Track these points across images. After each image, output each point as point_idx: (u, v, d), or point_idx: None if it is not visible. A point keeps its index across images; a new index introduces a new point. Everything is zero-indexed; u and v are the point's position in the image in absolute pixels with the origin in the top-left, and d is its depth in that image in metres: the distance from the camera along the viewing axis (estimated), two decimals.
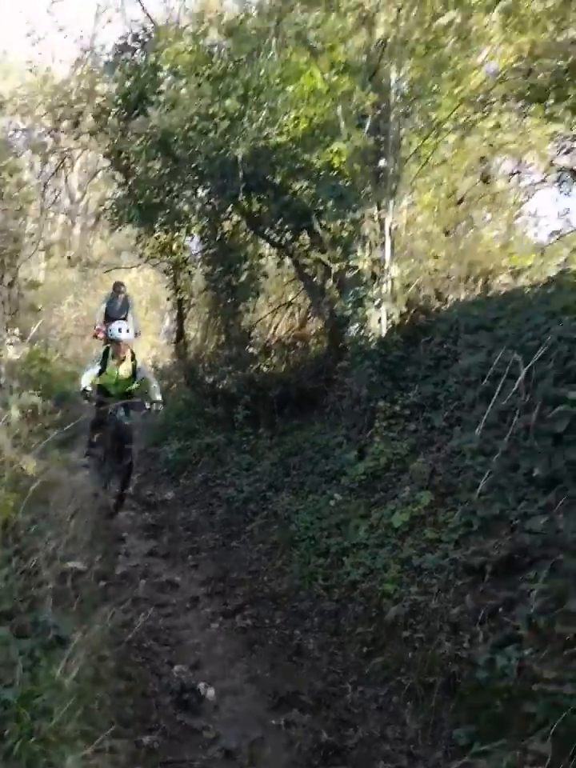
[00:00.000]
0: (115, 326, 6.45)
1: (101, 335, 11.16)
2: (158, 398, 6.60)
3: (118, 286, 10.92)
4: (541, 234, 6.11)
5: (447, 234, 6.19)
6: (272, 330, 9.44)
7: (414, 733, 3.04)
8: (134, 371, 6.58)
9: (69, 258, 6.32)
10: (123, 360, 6.46)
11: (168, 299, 11.14)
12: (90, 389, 6.36)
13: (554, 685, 2.50)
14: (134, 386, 6.65)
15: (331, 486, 5.70)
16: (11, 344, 9.81)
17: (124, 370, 6.52)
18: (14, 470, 3.28)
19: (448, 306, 6.14)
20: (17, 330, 10.47)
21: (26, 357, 10.98)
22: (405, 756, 2.87)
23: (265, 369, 8.29)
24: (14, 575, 2.83)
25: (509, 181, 6.80)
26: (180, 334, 11.02)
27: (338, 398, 6.74)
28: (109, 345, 6.58)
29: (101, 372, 6.48)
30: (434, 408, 5.06)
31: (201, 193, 8.07)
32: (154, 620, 4.37)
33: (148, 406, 6.55)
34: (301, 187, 7.07)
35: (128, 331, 6.43)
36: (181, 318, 10.88)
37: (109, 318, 10.97)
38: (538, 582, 2.97)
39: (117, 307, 11.00)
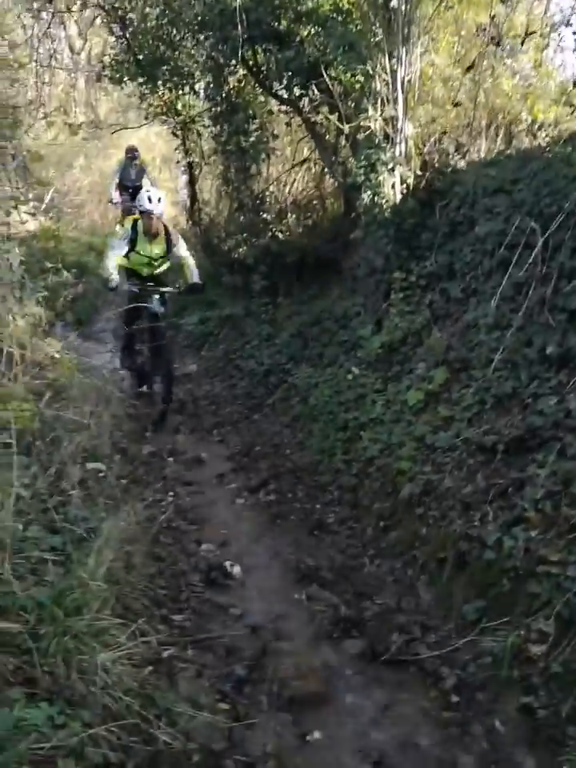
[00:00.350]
0: (144, 194, 5.46)
1: (120, 207, 10.82)
2: (197, 280, 5.81)
3: (130, 151, 10.48)
4: (567, 79, 5.54)
5: (468, 71, 5.66)
6: (287, 190, 9.10)
7: (427, 605, 3.25)
8: (169, 247, 5.70)
9: (70, 125, 5.95)
10: (157, 235, 5.59)
11: (177, 162, 10.72)
12: (116, 277, 5.49)
13: (558, 567, 2.61)
14: (167, 265, 5.89)
15: (349, 357, 5.72)
16: (27, 218, 9.62)
17: (158, 247, 5.68)
18: (34, 361, 3.30)
19: (467, 162, 5.80)
20: (30, 204, 10.25)
21: (40, 231, 10.83)
22: (418, 627, 3.07)
23: (280, 235, 8.08)
24: (41, 478, 2.95)
25: (532, 14, 6.15)
26: (193, 198, 10.70)
27: (354, 265, 6.59)
28: (137, 218, 5.63)
29: (129, 252, 5.62)
30: (450, 278, 4.93)
31: (201, 46, 7.50)
32: (181, 498, 4.61)
33: (183, 288, 5.93)
34: (308, 34, 6.53)
35: (160, 200, 5.44)
36: (192, 182, 10.53)
37: (124, 186, 10.66)
38: (546, 464, 3.02)
39: (131, 175, 10.63)
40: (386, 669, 2.89)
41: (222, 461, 5.37)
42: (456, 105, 5.89)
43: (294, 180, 9.08)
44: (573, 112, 4.81)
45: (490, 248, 4.55)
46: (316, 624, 3.16)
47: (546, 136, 4.84)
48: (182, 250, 5.80)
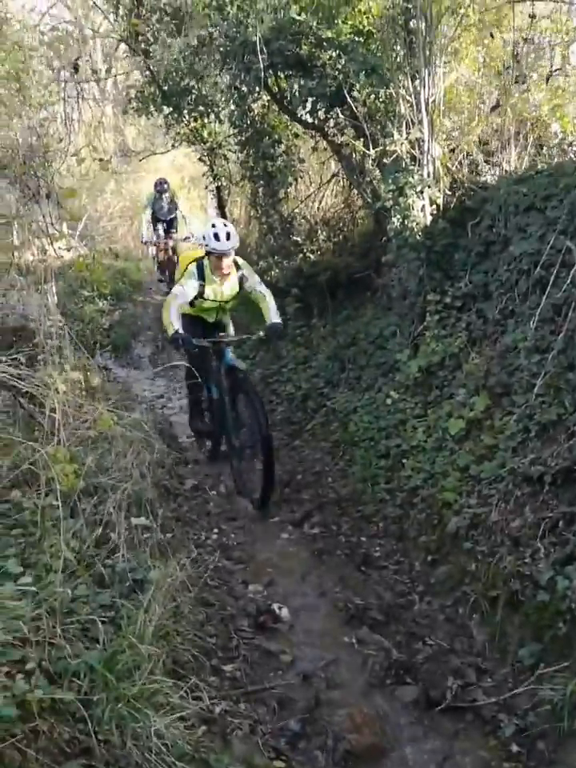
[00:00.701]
0: (210, 230, 4.64)
1: (158, 248, 10.93)
2: (277, 319, 4.99)
3: (160, 184, 10.61)
4: None
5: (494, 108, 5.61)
6: (315, 206, 9.11)
7: (481, 645, 3.18)
8: (241, 285, 4.99)
9: (100, 160, 6.07)
10: (228, 275, 4.84)
11: (206, 188, 10.82)
12: (182, 332, 4.59)
13: None
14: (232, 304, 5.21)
15: (387, 381, 5.67)
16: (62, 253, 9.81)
17: (230, 288, 4.97)
18: (76, 418, 3.33)
19: (497, 173, 5.72)
20: (65, 238, 10.47)
21: (75, 261, 11.05)
22: (473, 670, 3.02)
23: (311, 256, 8.07)
24: (87, 535, 2.98)
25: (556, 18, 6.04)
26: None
27: (387, 283, 6.54)
28: (197, 256, 4.95)
29: (194, 299, 4.88)
30: (486, 298, 4.87)
31: (224, 75, 7.57)
32: (226, 535, 4.61)
33: (265, 331, 4.98)
34: (329, 58, 6.52)
35: (229, 235, 4.62)
36: (221, 206, 10.61)
37: (157, 219, 10.77)
38: None
39: (164, 208, 10.74)
40: (442, 717, 2.84)
41: None
42: (494, 108, 5.80)
43: (323, 196, 9.10)
44: None
45: (525, 268, 4.47)
46: (368, 670, 3.12)
47: None
48: (257, 284, 5.03)
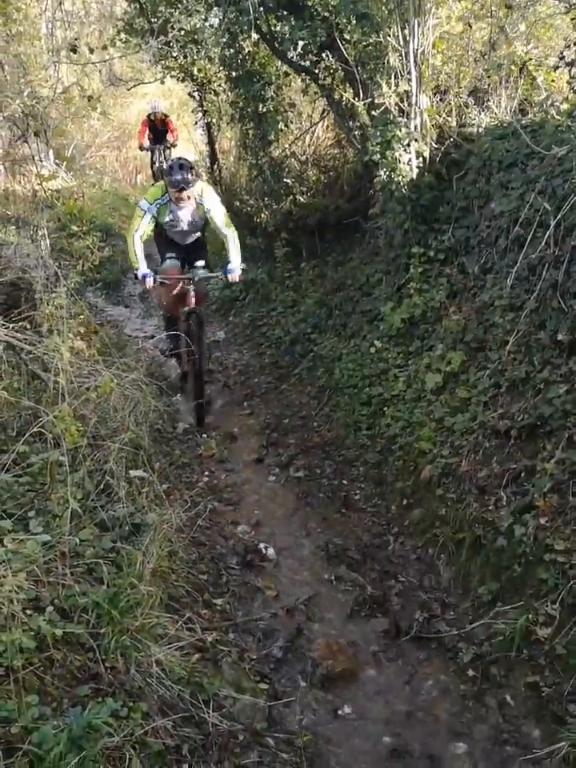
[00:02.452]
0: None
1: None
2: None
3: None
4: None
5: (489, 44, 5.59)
6: (306, 146, 9.09)
7: (447, 583, 3.53)
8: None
9: (89, 98, 6.02)
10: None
11: (195, 123, 10.71)
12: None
13: (563, 555, 2.85)
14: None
15: (372, 328, 5.88)
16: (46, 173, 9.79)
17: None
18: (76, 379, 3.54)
19: (483, 122, 5.78)
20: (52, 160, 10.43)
21: (64, 191, 11.00)
22: (438, 604, 3.37)
23: (301, 198, 8.12)
24: (90, 485, 3.26)
25: None
26: (212, 157, 10.71)
27: (374, 228, 6.65)
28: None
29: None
30: (468, 253, 5.04)
31: (215, 11, 7.44)
32: (216, 478, 4.92)
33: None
34: (320, 1, 6.44)
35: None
36: (212, 143, 10.53)
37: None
38: (555, 453, 3.23)
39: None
40: (409, 645, 3.20)
41: (252, 435, 5.64)
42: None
43: (315, 133, 9.06)
44: None
45: (505, 225, 4.63)
46: (344, 604, 3.47)
47: (559, 103, 4.80)
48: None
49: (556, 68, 4.91)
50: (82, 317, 5.21)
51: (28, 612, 2.44)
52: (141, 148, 12.73)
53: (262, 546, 3.96)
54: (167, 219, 5.41)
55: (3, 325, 2.91)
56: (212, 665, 2.89)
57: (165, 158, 12.24)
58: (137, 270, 5.29)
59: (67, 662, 2.51)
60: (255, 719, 2.68)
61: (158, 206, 5.30)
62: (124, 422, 3.70)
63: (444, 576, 3.58)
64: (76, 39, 5.50)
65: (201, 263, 5.84)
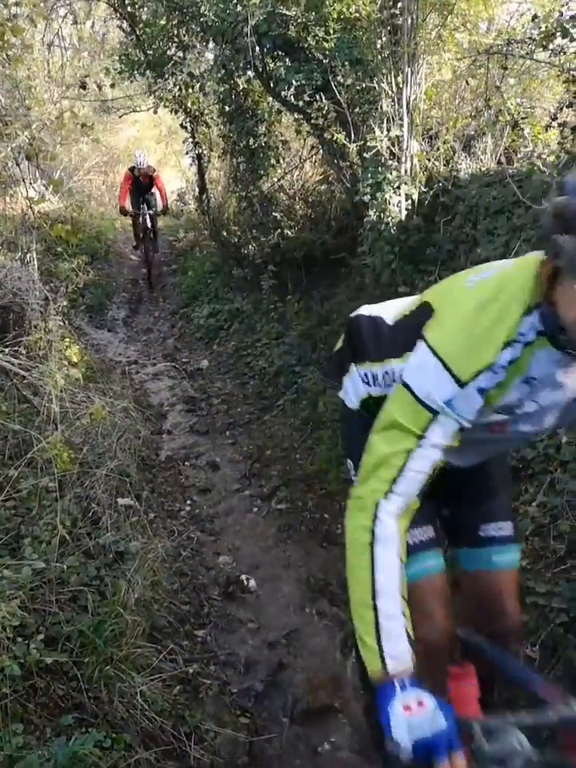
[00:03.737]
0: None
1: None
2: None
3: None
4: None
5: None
6: (294, 180, 9.25)
7: None
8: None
9: (83, 126, 6.05)
10: None
11: (187, 153, 10.87)
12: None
13: (544, 598, 2.90)
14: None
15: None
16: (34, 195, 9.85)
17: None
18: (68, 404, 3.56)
19: (471, 166, 5.96)
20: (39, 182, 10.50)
21: (52, 214, 11.06)
22: None
23: (289, 232, 8.26)
24: (77, 511, 3.26)
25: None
26: (202, 188, 10.85)
27: (361, 265, 6.78)
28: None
29: None
30: None
31: (211, 47, 7.63)
32: (198, 507, 4.92)
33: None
34: (316, 41, 6.63)
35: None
36: (201, 173, 10.67)
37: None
38: (537, 497, 3.30)
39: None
40: None
41: (234, 465, 5.66)
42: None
43: (304, 171, 9.23)
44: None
45: None
46: (325, 638, 3.48)
47: (546, 156, 4.98)
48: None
49: (548, 127, 5.10)
50: (68, 340, 5.24)
51: (13, 639, 2.44)
52: (122, 212, 11.16)
53: (243, 577, 3.96)
54: None
55: None
56: (193, 697, 2.89)
57: (150, 226, 11.09)
58: None
59: (50, 690, 2.50)
60: (236, 754, 2.67)
61: None
62: (111, 449, 3.72)
63: None
64: (86, 76, 5.59)
65: None
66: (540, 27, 4.04)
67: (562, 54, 3.98)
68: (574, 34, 3.38)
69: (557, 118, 4.67)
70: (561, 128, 4.35)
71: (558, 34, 3.59)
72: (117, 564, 3.34)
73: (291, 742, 2.84)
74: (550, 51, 4.04)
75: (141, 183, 10.90)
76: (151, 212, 11.02)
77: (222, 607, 3.71)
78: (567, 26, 3.33)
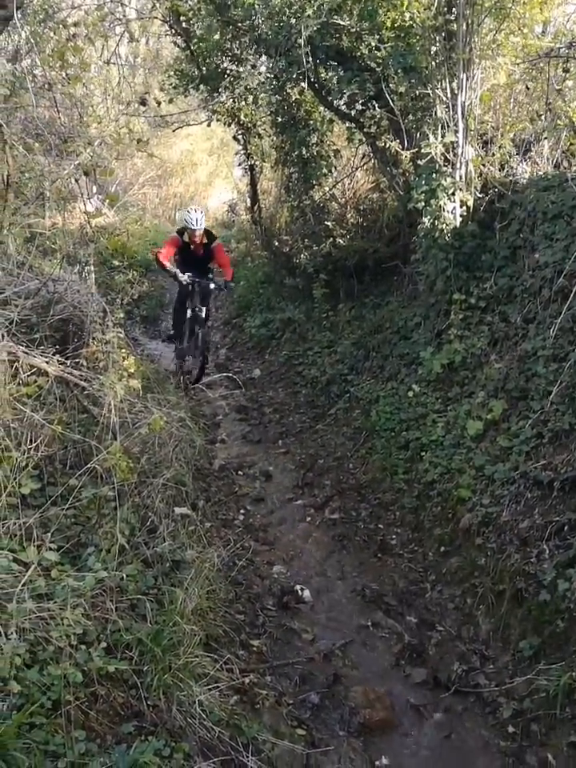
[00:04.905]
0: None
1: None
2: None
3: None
4: None
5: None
6: (346, 189, 9.25)
7: (486, 635, 3.49)
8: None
9: (138, 141, 6.14)
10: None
11: (239, 165, 10.97)
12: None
13: None
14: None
15: (410, 372, 5.91)
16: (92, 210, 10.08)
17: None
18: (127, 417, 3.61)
19: (528, 171, 5.85)
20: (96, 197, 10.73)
21: (108, 227, 11.30)
22: (477, 657, 3.33)
23: (340, 241, 8.25)
24: (135, 520, 3.31)
25: None
26: (254, 198, 10.94)
27: (414, 273, 6.72)
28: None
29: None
30: (510, 302, 5.08)
31: (263, 60, 7.70)
32: (252, 516, 4.94)
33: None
34: (369, 51, 6.62)
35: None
36: (253, 183, 10.76)
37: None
38: None
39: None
40: (448, 697, 3.16)
41: (287, 474, 5.66)
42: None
43: (355, 179, 9.23)
44: None
45: (549, 275, 4.67)
46: (382, 651, 3.44)
47: None
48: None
49: None
50: (125, 351, 5.33)
51: (75, 647, 2.47)
52: (160, 266, 7.07)
53: (298, 588, 3.95)
54: None
55: (61, 362, 3.00)
56: (250, 707, 2.89)
57: (204, 315, 7.25)
58: None
59: (111, 698, 2.53)
60: (293, 766, 2.66)
61: None
62: (168, 459, 3.76)
63: (483, 627, 3.53)
64: (146, 93, 5.70)
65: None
66: None
67: None
68: None
69: None
70: None
71: None
72: (174, 573, 3.37)
73: (348, 756, 2.81)
74: None
75: (194, 255, 7.11)
76: (211, 286, 7.17)
77: (276, 617, 3.70)
78: None
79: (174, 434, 3.74)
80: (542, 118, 5.57)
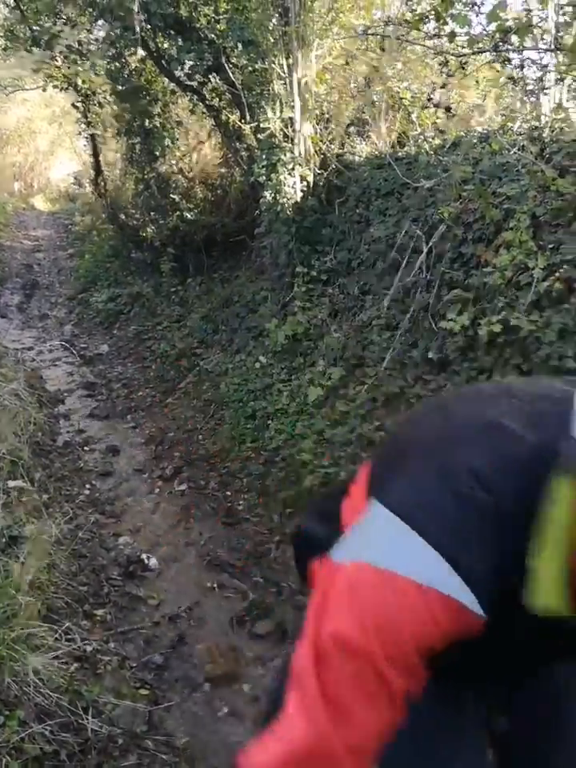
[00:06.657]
0: None
1: None
2: None
3: None
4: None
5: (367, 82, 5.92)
6: (193, 163, 9.17)
7: None
8: None
9: None
10: None
11: (79, 133, 10.58)
12: None
13: None
14: None
15: (257, 344, 6.03)
16: None
17: None
18: None
19: (364, 150, 6.09)
20: None
21: None
22: None
23: (188, 215, 8.20)
24: None
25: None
26: (97, 169, 10.62)
27: (260, 247, 6.82)
28: None
29: None
30: (348, 274, 5.30)
31: (99, 27, 7.45)
32: (98, 491, 4.86)
33: None
34: (208, 20, 6.60)
35: None
36: (96, 154, 10.43)
37: None
38: None
39: None
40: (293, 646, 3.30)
41: (136, 448, 5.62)
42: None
43: (203, 153, 9.16)
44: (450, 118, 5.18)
45: (382, 250, 4.93)
46: (227, 610, 3.53)
47: (432, 139, 5.16)
48: None
49: (425, 108, 5.29)
50: None
51: None
52: None
53: (144, 556, 3.95)
54: None
55: None
56: (92, 673, 2.88)
57: None
58: None
59: None
60: (135, 723, 2.69)
61: None
62: (2, 433, 3.63)
63: None
64: None
65: None
66: (414, 10, 4.18)
67: (436, 37, 4.13)
68: (446, 17, 3.51)
69: (431, 99, 4.86)
70: (436, 109, 4.53)
71: (431, 16, 3.72)
72: (11, 548, 3.27)
73: (191, 710, 2.87)
74: (424, 34, 4.18)
75: None
76: None
77: (122, 587, 3.69)
78: (439, 9, 3.45)
79: (7, 407, 3.59)
80: (365, 95, 5.80)
